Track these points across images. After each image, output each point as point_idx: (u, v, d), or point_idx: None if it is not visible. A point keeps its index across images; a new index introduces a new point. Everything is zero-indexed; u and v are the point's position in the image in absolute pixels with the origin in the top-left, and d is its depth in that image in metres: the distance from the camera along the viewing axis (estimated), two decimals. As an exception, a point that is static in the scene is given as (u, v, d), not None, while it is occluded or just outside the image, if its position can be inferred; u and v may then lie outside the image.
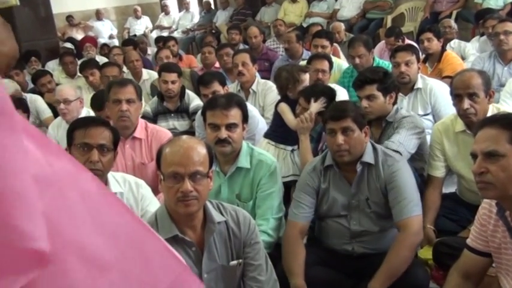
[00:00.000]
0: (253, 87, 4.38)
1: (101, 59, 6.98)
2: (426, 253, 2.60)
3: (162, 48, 6.47)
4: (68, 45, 8.89)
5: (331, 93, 3.26)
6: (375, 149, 2.41)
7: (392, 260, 2.16)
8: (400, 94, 3.71)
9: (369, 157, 2.36)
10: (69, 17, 10.63)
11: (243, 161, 2.60)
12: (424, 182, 3.00)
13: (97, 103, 3.73)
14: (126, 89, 3.07)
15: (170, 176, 1.79)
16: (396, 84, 3.12)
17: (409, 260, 2.18)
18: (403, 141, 2.85)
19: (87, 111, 4.10)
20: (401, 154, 2.76)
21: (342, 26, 6.75)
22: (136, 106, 3.10)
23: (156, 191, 2.55)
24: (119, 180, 2.39)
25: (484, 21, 5.51)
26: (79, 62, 6.86)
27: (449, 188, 3.11)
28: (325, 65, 4.02)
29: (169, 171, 1.79)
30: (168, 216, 1.86)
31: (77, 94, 4.07)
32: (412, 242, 2.21)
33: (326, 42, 5.07)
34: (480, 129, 1.73)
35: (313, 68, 4.02)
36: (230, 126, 2.53)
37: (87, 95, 5.30)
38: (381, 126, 3.08)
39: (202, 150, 1.83)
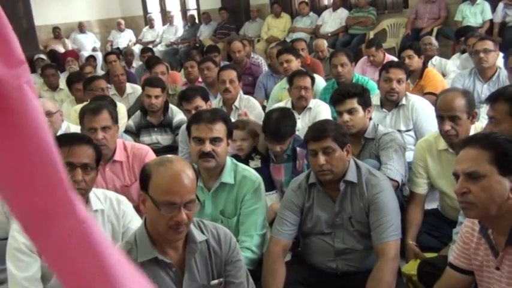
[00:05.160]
0: (236, 103, 4.37)
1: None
2: (411, 268, 2.58)
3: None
4: (42, 56, 8.77)
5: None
6: (358, 167, 2.41)
7: None
8: (384, 110, 3.77)
9: (352, 176, 2.37)
10: (55, 29, 10.56)
11: (227, 177, 2.59)
12: (404, 197, 3.03)
13: None
14: (101, 116, 2.95)
15: (165, 205, 1.72)
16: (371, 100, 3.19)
17: (393, 285, 2.17)
18: (399, 168, 2.90)
19: (67, 125, 4.05)
20: (399, 183, 2.84)
21: (325, 43, 6.80)
22: (112, 132, 2.99)
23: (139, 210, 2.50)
24: (100, 197, 2.36)
25: (465, 39, 5.61)
26: (61, 74, 6.81)
27: (431, 204, 3.13)
28: (307, 81, 4.04)
29: (164, 200, 1.72)
30: (147, 238, 1.81)
31: (57, 107, 4.03)
32: (391, 267, 2.20)
33: (289, 57, 5.03)
34: (461, 149, 1.75)
35: (295, 85, 4.04)
36: (215, 140, 2.52)
37: (70, 108, 5.26)
38: (360, 142, 3.11)
39: (191, 174, 1.78)
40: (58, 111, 3.96)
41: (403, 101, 3.71)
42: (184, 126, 3.83)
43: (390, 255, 2.21)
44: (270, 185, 3.25)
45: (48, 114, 3.80)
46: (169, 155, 1.91)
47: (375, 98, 3.87)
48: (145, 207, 1.80)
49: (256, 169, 3.08)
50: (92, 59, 8.57)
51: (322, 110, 4.00)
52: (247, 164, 3.15)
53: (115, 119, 3.07)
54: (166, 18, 11.38)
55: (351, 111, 3.05)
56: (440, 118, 2.69)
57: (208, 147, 2.50)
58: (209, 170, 2.57)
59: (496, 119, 2.42)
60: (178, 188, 1.73)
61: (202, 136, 2.52)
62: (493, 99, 2.47)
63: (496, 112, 2.42)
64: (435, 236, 2.83)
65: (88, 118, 2.98)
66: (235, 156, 3.27)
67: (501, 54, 4.56)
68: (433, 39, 6.09)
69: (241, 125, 3.38)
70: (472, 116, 2.69)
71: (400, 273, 2.46)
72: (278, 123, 3.20)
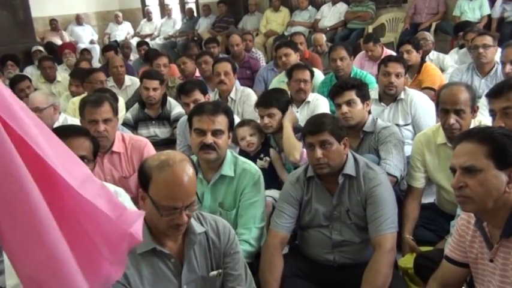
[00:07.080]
0: (232, 95, 4.38)
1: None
2: (407, 261, 2.60)
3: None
4: (40, 48, 8.72)
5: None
6: (356, 160, 2.43)
7: (372, 281, 2.16)
8: (382, 104, 3.78)
9: (350, 169, 2.39)
10: (52, 21, 10.49)
11: (227, 169, 2.59)
12: (401, 191, 3.05)
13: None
14: (102, 109, 2.94)
15: (166, 210, 1.73)
16: (369, 94, 3.21)
17: (389, 277, 2.18)
18: (398, 163, 2.91)
19: (64, 117, 4.02)
20: (397, 178, 2.85)
21: (324, 37, 6.80)
22: (113, 124, 3.00)
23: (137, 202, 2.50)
24: None
25: (464, 33, 5.62)
26: (58, 67, 6.78)
27: (428, 198, 3.15)
28: (306, 74, 4.05)
29: (165, 205, 1.72)
30: (146, 230, 1.81)
31: (49, 101, 3.91)
32: (388, 259, 2.22)
33: (288, 50, 5.04)
34: (458, 143, 1.75)
35: (294, 78, 4.05)
36: (216, 132, 2.52)
37: (66, 101, 5.25)
38: (358, 136, 3.13)
39: (191, 173, 1.76)
40: (50, 106, 3.87)
41: (402, 95, 3.72)
42: (182, 119, 3.85)
43: (387, 247, 2.23)
44: (274, 185, 3.24)
45: (36, 110, 3.66)
46: (168, 153, 1.84)
47: (373, 92, 3.89)
48: (145, 204, 1.80)
49: (262, 169, 3.04)
50: (86, 52, 8.50)
51: (320, 104, 4.02)
52: (254, 162, 3.11)
53: (116, 111, 3.07)
54: (165, 11, 11.33)
55: (349, 103, 3.07)
56: (445, 111, 2.69)
57: (209, 139, 2.50)
58: (209, 162, 2.58)
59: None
60: (180, 194, 1.72)
61: (204, 128, 2.52)
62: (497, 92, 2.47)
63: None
64: (432, 229, 2.86)
65: (89, 110, 2.97)
66: (242, 153, 3.27)
67: (499, 50, 4.57)
68: (427, 34, 6.08)
69: (246, 121, 3.46)
70: (474, 111, 2.70)
71: (397, 266, 2.48)
72: (268, 91, 3.59)
